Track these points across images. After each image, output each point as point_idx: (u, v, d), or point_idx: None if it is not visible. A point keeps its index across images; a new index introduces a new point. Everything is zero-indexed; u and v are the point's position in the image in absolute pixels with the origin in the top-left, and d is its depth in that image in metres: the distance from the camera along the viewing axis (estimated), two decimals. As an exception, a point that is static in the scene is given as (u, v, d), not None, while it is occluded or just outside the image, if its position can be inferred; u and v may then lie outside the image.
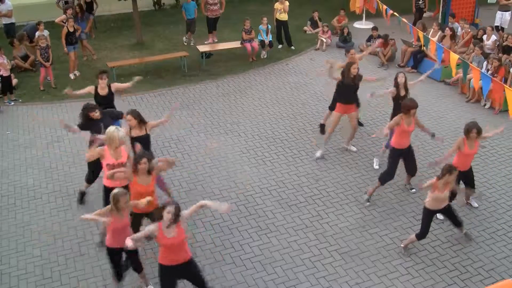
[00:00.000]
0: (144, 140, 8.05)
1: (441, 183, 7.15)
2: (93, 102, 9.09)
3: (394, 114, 9.20)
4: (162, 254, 6.29)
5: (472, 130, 7.91)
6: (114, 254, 6.71)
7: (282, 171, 9.71)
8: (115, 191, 6.40)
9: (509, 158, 10.11)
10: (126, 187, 6.96)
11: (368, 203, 8.76)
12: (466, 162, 8.19)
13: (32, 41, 14.09)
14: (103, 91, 9.41)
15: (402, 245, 7.78)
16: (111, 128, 7.47)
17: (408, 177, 9.07)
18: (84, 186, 8.74)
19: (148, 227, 6.18)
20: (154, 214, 6.22)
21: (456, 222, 7.74)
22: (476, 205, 8.71)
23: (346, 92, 9.71)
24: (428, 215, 7.44)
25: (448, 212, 7.60)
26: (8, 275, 7.42)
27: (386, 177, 8.71)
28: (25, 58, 14.10)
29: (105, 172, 7.49)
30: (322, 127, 10.83)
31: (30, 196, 9.11)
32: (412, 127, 8.49)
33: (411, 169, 8.91)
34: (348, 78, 9.54)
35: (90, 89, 9.43)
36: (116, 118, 8.97)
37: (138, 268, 6.95)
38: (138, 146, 7.76)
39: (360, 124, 10.81)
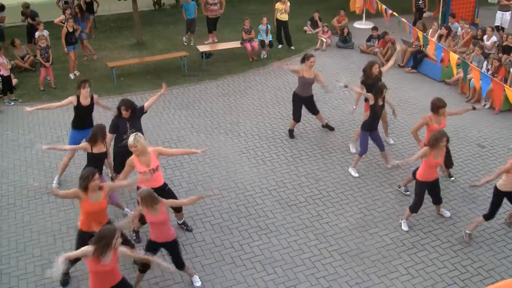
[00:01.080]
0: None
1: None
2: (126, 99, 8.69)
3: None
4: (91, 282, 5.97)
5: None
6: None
7: (282, 171, 9.71)
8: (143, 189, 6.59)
9: (509, 158, 10.10)
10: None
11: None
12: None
13: (34, 19, 14.38)
14: (85, 101, 8.96)
15: (467, 231, 7.92)
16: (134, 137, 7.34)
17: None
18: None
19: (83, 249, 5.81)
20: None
21: None
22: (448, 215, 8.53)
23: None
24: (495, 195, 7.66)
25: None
26: (8, 275, 7.42)
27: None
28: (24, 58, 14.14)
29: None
30: (290, 132, 10.85)
31: (30, 196, 9.11)
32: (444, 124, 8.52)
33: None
34: (370, 78, 9.59)
35: (71, 99, 8.91)
36: (140, 116, 8.68)
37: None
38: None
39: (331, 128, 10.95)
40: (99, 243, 5.66)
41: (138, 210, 6.68)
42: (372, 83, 9.47)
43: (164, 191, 7.52)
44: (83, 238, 6.72)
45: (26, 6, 14.85)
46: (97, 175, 6.64)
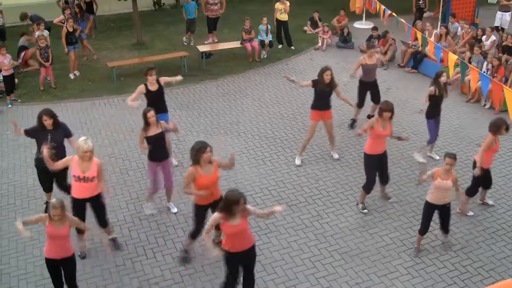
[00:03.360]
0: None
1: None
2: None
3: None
4: (226, 242, 6.29)
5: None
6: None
7: (282, 171, 9.71)
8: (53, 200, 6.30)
9: (509, 158, 10.11)
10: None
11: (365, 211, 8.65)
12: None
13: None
14: (153, 87, 9.28)
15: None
16: (80, 138, 7.18)
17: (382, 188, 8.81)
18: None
19: (212, 217, 6.23)
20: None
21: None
22: (491, 203, 8.76)
23: (321, 98, 9.48)
24: None
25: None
26: (8, 275, 7.42)
27: (367, 185, 8.49)
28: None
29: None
30: (353, 122, 11.19)
31: (30, 196, 9.11)
32: (388, 131, 8.21)
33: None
34: (322, 84, 9.33)
35: (141, 88, 9.26)
36: (68, 135, 8.25)
37: None
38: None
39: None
40: (225, 208, 6.03)
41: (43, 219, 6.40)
42: (322, 89, 9.35)
43: (97, 202, 7.37)
44: (201, 210, 7.20)
45: (23, 16, 14.72)
46: (209, 148, 6.85)
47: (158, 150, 8.07)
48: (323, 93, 9.41)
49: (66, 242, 6.44)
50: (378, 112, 8.19)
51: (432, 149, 10.01)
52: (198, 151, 6.85)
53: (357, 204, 8.68)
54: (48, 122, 7.87)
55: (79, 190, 7.23)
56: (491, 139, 8.05)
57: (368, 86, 10.96)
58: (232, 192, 6.11)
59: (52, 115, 7.91)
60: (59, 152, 7.81)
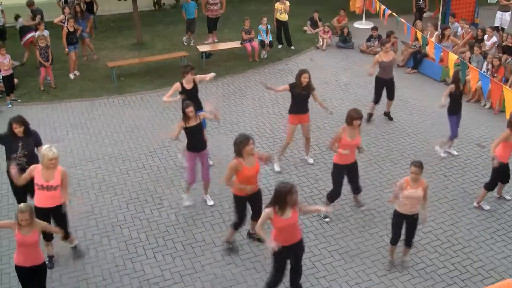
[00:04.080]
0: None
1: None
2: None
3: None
4: (277, 236, 6.32)
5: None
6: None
7: (282, 171, 9.70)
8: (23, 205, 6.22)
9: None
10: None
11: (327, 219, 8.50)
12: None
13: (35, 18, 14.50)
14: (188, 85, 9.39)
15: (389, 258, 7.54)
16: (44, 146, 7.09)
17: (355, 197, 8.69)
18: None
19: (264, 211, 6.30)
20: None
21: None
22: (508, 197, 8.86)
23: (299, 101, 9.35)
24: None
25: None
26: (8, 275, 7.42)
27: (333, 194, 8.33)
28: None
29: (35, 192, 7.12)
30: (370, 116, 11.31)
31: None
32: (357, 140, 7.97)
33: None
34: (299, 87, 9.17)
35: (176, 85, 9.36)
36: (38, 144, 8.05)
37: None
38: None
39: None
40: (278, 201, 6.09)
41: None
42: (299, 93, 9.20)
43: (59, 212, 7.19)
44: (242, 201, 7.40)
45: (30, 3, 14.75)
46: (251, 140, 7.00)
47: (196, 140, 8.38)
48: (300, 97, 9.24)
49: (35, 249, 6.34)
50: (347, 120, 7.86)
51: (452, 145, 10.16)
52: (241, 144, 7.02)
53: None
54: (18, 130, 7.73)
55: (42, 199, 7.05)
56: (507, 133, 8.09)
57: (384, 83, 11.07)
58: (283, 183, 6.16)
59: (23, 123, 7.77)
60: (31, 160, 7.64)
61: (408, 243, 7.33)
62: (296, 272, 6.74)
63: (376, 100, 11.24)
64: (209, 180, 8.69)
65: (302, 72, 9.16)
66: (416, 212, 7.08)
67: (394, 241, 7.34)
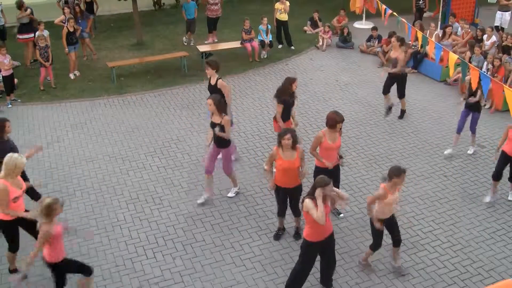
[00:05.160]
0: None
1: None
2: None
3: None
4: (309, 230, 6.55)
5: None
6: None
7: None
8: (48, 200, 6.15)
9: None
10: None
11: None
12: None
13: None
14: (212, 80, 9.73)
15: (362, 261, 7.47)
16: (15, 155, 6.83)
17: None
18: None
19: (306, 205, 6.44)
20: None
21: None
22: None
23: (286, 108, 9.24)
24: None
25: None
26: (8, 275, 7.41)
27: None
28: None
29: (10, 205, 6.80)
30: (390, 109, 11.34)
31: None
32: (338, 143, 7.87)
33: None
34: (286, 95, 9.13)
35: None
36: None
37: None
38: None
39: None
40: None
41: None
42: (286, 100, 9.10)
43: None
44: (280, 192, 7.73)
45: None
46: (289, 135, 7.26)
47: (215, 136, 8.51)
48: (287, 104, 9.13)
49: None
50: (329, 123, 7.67)
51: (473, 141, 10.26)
52: (279, 136, 7.41)
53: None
54: (8, 129, 7.81)
55: (22, 207, 6.99)
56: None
57: (395, 78, 11.12)
58: (320, 177, 6.38)
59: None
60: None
61: (398, 242, 7.21)
62: (330, 265, 6.94)
63: (385, 91, 11.26)
64: (230, 173, 8.87)
65: (293, 80, 9.17)
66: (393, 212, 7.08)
67: (375, 247, 7.27)
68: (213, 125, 8.45)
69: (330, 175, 7.60)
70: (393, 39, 11.22)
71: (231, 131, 8.86)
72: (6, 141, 7.95)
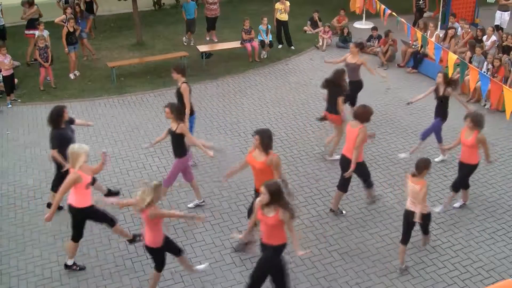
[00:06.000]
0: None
1: None
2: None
3: None
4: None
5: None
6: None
7: (282, 171, 9.67)
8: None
9: (509, 158, 10.12)
10: None
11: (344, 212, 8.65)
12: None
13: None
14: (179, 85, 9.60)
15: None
16: (76, 145, 7.16)
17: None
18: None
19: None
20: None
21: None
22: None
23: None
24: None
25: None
26: (8, 275, 7.42)
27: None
28: None
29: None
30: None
31: (30, 196, 9.10)
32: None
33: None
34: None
35: None
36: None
37: None
38: None
39: None
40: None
41: None
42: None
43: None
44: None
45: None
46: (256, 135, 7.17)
47: (172, 145, 8.35)
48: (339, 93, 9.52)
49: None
50: (366, 117, 8.04)
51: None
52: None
53: None
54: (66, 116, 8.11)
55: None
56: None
57: (352, 85, 10.77)
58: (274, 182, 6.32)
59: None
60: None
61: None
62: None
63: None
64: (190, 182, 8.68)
65: (343, 71, 9.59)
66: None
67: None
68: (171, 131, 8.22)
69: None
70: (351, 45, 10.81)
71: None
72: (64, 128, 8.12)
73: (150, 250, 6.65)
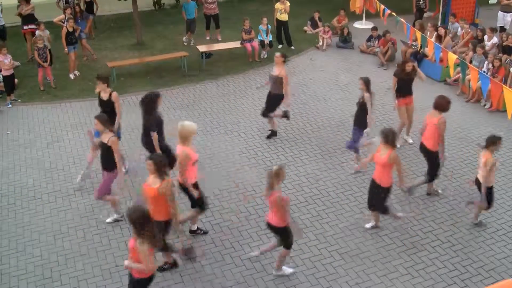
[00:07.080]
0: None
1: None
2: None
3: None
4: None
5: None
6: None
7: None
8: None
9: (509, 158, 10.12)
10: None
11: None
12: None
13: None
14: (103, 95, 9.68)
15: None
16: (186, 123, 7.57)
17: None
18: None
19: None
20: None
21: None
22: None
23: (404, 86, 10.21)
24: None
25: None
26: (8, 275, 7.42)
27: None
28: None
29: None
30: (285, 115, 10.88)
31: (30, 196, 9.11)
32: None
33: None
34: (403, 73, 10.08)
35: None
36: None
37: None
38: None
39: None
40: None
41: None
42: (403, 78, 10.14)
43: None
44: None
45: None
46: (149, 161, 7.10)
47: (101, 157, 8.15)
48: (403, 82, 10.19)
49: None
50: (447, 107, 8.69)
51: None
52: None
53: None
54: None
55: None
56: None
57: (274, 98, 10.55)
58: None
59: None
60: None
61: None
62: None
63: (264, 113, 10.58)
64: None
65: (405, 61, 10.38)
66: None
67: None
68: (101, 144, 7.94)
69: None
70: (277, 54, 10.18)
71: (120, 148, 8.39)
72: (157, 112, 8.72)
73: (275, 229, 7.01)
